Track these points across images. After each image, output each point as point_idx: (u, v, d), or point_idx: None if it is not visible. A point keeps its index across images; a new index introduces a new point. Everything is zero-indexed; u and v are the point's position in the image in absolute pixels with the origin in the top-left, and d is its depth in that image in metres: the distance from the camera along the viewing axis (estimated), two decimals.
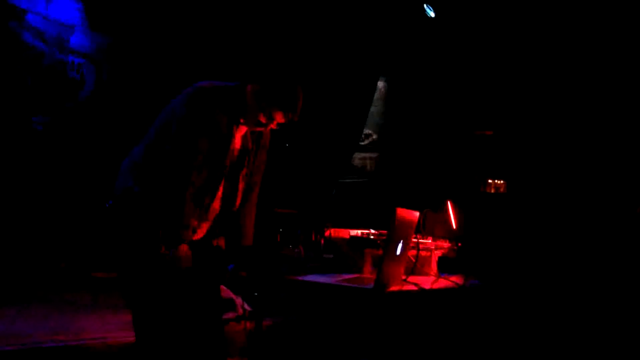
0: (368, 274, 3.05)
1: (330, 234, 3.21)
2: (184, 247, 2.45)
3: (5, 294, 4.32)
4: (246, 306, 2.87)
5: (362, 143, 7.66)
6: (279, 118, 2.53)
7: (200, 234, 2.59)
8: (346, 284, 2.69)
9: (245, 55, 5.78)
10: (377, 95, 7.66)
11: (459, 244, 3.63)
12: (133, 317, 2.52)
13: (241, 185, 2.64)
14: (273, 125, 2.57)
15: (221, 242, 2.66)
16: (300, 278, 2.69)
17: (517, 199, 5.85)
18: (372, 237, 3.18)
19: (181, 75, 5.96)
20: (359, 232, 3.27)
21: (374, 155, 7.75)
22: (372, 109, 7.58)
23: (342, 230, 3.29)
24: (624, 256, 4.65)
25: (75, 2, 5.70)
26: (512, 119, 6.39)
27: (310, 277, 2.74)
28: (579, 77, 5.98)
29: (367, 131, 7.67)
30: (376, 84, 7.60)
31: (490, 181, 5.97)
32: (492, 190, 5.96)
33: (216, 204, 2.59)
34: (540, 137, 6.16)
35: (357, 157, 7.67)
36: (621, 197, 5.35)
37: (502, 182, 5.96)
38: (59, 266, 5.35)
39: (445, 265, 3.49)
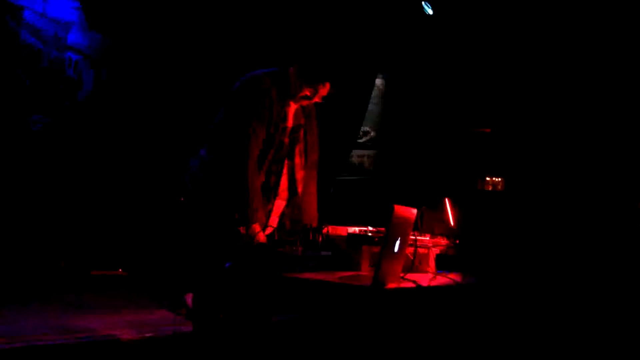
0: (366, 271, 3.06)
1: (328, 231, 3.22)
2: (257, 227, 2.57)
3: (4, 293, 4.32)
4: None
5: (360, 140, 7.67)
6: (323, 91, 2.74)
7: (275, 214, 2.78)
8: (344, 282, 2.70)
9: (243, 53, 5.78)
10: (375, 92, 7.66)
11: (457, 242, 3.64)
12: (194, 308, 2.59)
13: (298, 160, 2.81)
14: (317, 99, 2.76)
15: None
16: (298, 276, 2.70)
17: (515, 196, 5.85)
18: (370, 234, 3.18)
19: (181, 74, 5.96)
20: (357, 229, 3.27)
21: (372, 152, 7.75)
22: (371, 106, 7.58)
23: (340, 227, 3.30)
24: (624, 253, 4.65)
25: (72, 0, 5.69)
26: (510, 117, 6.40)
27: (308, 275, 2.74)
28: (576, 74, 5.98)
29: (365, 128, 7.67)
30: (374, 82, 7.60)
31: (488, 178, 5.98)
32: (490, 188, 5.97)
33: (284, 184, 2.78)
34: (538, 134, 6.16)
35: (355, 155, 7.68)
36: (621, 193, 5.36)
37: (499, 179, 5.97)
38: (59, 265, 5.35)
39: (443, 263, 3.50)
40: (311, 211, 2.90)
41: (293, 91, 2.73)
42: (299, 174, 2.83)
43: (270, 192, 2.73)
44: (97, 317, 3.78)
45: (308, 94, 2.74)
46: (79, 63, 5.76)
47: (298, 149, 2.81)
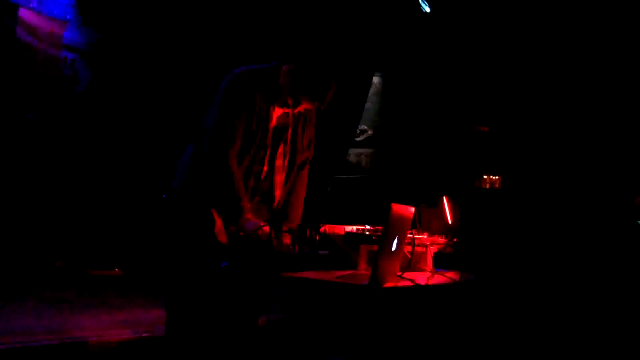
0: (363, 270, 3.04)
1: (325, 230, 3.20)
2: (247, 216, 2.48)
3: (0, 291, 4.30)
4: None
5: (358, 139, 7.65)
6: (305, 104, 2.59)
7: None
8: (341, 281, 2.68)
9: (237, 49, 5.76)
10: (372, 90, 7.64)
11: (455, 240, 3.62)
12: (168, 309, 2.52)
13: (279, 162, 2.66)
14: (300, 109, 2.61)
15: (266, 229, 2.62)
16: (295, 275, 2.68)
17: (512, 194, 5.85)
18: (367, 233, 3.17)
19: (177, 70, 5.94)
20: (355, 228, 3.26)
21: (369, 151, 7.74)
22: (368, 104, 7.57)
23: (338, 226, 3.28)
24: (622, 249, 4.65)
25: None
26: (507, 115, 6.40)
27: (305, 274, 2.73)
28: (573, 72, 5.98)
29: (362, 127, 7.66)
30: (372, 80, 7.59)
31: (485, 177, 5.97)
32: (487, 186, 5.97)
33: (262, 182, 2.63)
34: (535, 132, 6.16)
35: (353, 153, 7.66)
36: (618, 190, 5.36)
37: (497, 177, 5.97)
38: (55, 264, 5.33)
39: (441, 261, 3.48)
40: (295, 215, 2.76)
41: (278, 95, 2.59)
42: (279, 177, 2.68)
43: (250, 193, 2.59)
44: (93, 316, 3.76)
45: (289, 102, 2.60)
46: (75, 60, 5.73)
47: (281, 151, 2.66)
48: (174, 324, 2.53)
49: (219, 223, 2.52)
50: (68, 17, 5.67)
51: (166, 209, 2.62)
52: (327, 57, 2.65)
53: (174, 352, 2.52)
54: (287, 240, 2.69)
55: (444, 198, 3.82)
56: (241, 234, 2.48)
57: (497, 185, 6.05)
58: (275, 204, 2.72)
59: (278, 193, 2.71)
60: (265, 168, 2.63)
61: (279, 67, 2.62)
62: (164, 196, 2.65)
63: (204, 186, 2.51)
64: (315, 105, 2.60)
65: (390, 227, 2.59)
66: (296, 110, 2.63)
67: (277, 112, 2.64)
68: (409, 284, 2.77)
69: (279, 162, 2.66)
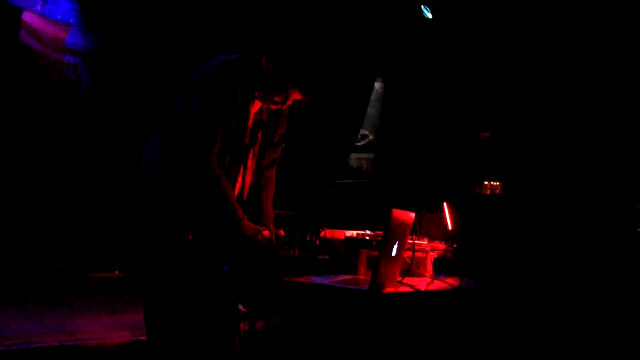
0: (363, 275, 3.05)
1: (325, 234, 3.21)
2: (245, 222, 2.35)
3: (1, 293, 4.31)
4: (240, 307, 2.86)
5: (359, 144, 7.67)
6: (296, 96, 2.45)
7: None
8: (341, 285, 2.69)
9: (237, 52, 5.77)
10: (374, 96, 7.66)
11: (455, 245, 3.63)
12: (146, 307, 2.46)
13: (250, 163, 2.51)
14: (289, 102, 2.48)
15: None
16: (295, 279, 2.68)
17: (513, 200, 5.85)
18: (367, 238, 3.18)
19: (178, 74, 5.95)
20: (355, 233, 3.27)
21: (370, 156, 7.75)
22: (369, 109, 7.59)
23: (338, 231, 3.29)
24: (622, 255, 4.65)
25: (71, 2, 5.69)
26: (508, 121, 6.41)
27: (306, 278, 2.73)
28: (574, 79, 5.99)
29: (363, 132, 7.67)
30: (373, 85, 7.61)
31: (486, 183, 5.98)
32: (488, 192, 5.98)
33: (237, 185, 2.49)
34: (536, 138, 6.17)
35: (354, 158, 7.68)
36: (619, 196, 5.36)
37: (497, 183, 5.97)
38: (57, 266, 5.34)
39: (441, 267, 3.49)
40: (269, 211, 2.59)
41: (262, 87, 2.42)
42: (248, 178, 2.53)
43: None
44: (94, 318, 3.76)
45: (278, 100, 2.44)
46: (77, 64, 5.75)
47: (252, 152, 2.49)
48: (154, 330, 2.49)
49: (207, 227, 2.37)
50: (71, 21, 5.69)
51: (138, 205, 2.41)
52: (316, 47, 2.45)
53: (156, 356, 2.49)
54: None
55: (445, 204, 3.83)
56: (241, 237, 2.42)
57: (497, 192, 6.05)
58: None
59: (246, 195, 2.56)
60: (241, 169, 2.48)
61: (259, 58, 2.46)
62: (137, 178, 2.45)
63: (191, 197, 2.33)
64: (306, 97, 2.45)
65: (390, 232, 2.59)
66: (285, 106, 2.49)
67: (255, 108, 2.48)
68: (408, 289, 2.77)
69: (249, 162, 2.51)
